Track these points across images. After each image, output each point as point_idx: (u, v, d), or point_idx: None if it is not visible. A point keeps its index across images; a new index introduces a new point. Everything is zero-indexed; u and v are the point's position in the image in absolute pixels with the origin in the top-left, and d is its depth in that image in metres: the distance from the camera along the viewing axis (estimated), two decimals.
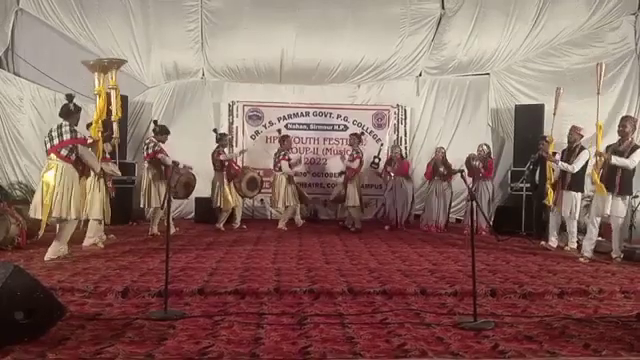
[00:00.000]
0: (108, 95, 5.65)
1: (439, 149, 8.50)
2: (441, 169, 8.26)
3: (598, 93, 6.10)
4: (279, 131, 9.01)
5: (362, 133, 9.11)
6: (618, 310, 3.99)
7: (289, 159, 8.32)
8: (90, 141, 5.51)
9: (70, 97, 5.44)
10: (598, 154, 5.87)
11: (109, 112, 5.73)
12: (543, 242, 6.86)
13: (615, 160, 5.67)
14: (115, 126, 5.91)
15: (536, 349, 3.08)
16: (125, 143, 8.61)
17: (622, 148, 5.81)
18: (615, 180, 5.71)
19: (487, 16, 8.87)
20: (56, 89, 8.84)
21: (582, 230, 6.61)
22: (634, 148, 5.72)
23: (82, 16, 8.83)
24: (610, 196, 5.75)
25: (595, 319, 3.71)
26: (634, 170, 5.80)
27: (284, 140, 8.46)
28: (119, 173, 6.81)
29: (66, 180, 5.21)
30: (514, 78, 9.48)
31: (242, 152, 8.90)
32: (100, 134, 5.61)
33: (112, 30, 8.94)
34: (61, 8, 8.79)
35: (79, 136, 5.33)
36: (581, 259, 5.87)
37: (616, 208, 5.74)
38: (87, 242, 6.06)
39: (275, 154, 8.40)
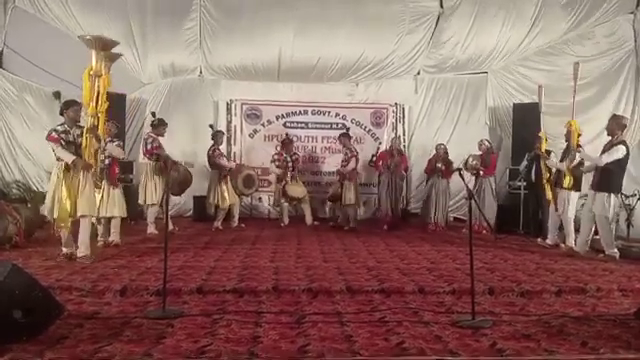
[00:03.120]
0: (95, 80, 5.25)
1: (439, 146, 8.49)
2: (438, 165, 8.24)
3: (574, 91, 6.23)
4: (286, 134, 9.11)
5: (348, 129, 9.17)
6: (616, 308, 4.01)
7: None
8: (54, 136, 5.18)
9: (56, 94, 5.35)
10: (573, 149, 5.96)
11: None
12: (540, 239, 6.89)
13: (581, 156, 5.86)
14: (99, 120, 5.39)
15: (534, 347, 3.09)
16: (123, 140, 8.57)
17: (606, 146, 5.86)
18: (596, 178, 5.81)
19: (485, 15, 8.85)
20: (51, 85, 8.81)
21: (579, 229, 6.68)
22: (614, 144, 5.73)
23: (78, 13, 8.79)
24: (594, 193, 5.84)
25: (593, 317, 3.72)
26: (622, 168, 5.82)
27: (285, 143, 8.65)
28: (122, 155, 6.43)
29: (53, 179, 5.24)
30: (512, 77, 9.47)
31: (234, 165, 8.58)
32: (92, 119, 5.24)
33: (109, 27, 8.89)
34: (56, 4, 8.75)
35: (47, 132, 5.28)
36: (562, 245, 5.96)
37: (596, 205, 5.79)
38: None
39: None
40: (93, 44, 5.29)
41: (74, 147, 5.26)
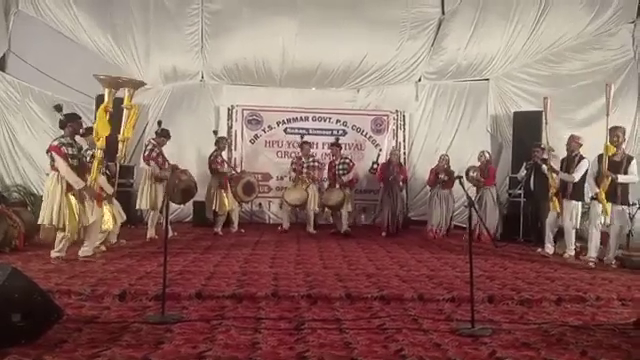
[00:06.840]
0: (112, 113, 5.47)
1: (442, 156, 8.46)
2: (441, 176, 8.23)
3: (607, 115, 6.02)
4: (302, 136, 8.94)
5: (338, 138, 9.02)
6: (615, 317, 4.00)
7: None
8: (64, 151, 5.25)
9: (58, 108, 5.44)
10: (606, 174, 5.88)
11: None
12: (540, 249, 6.84)
13: (622, 179, 5.84)
14: (120, 145, 5.77)
15: (533, 356, 3.08)
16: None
17: (617, 159, 5.90)
18: (617, 191, 5.87)
19: (487, 21, 8.90)
20: (54, 91, 8.84)
21: (579, 237, 6.66)
22: (629, 160, 5.88)
23: (81, 17, 8.84)
24: (610, 205, 5.88)
25: (592, 326, 3.71)
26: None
27: (302, 146, 8.56)
28: (109, 191, 6.16)
29: (51, 188, 5.27)
30: (513, 84, 9.47)
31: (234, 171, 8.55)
32: (101, 151, 5.41)
33: (112, 32, 8.95)
34: (59, 9, 8.80)
35: (54, 144, 5.28)
36: (590, 263, 5.96)
37: (619, 216, 5.89)
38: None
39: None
40: (106, 83, 5.46)
41: (77, 160, 5.38)
